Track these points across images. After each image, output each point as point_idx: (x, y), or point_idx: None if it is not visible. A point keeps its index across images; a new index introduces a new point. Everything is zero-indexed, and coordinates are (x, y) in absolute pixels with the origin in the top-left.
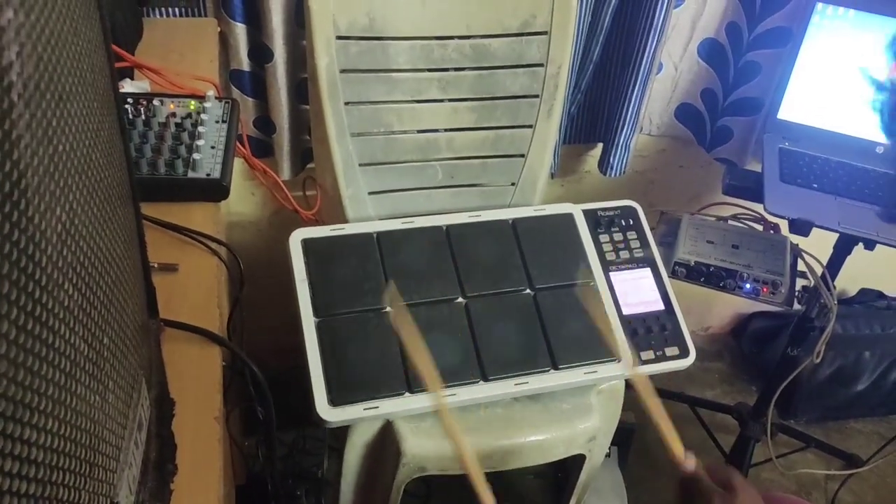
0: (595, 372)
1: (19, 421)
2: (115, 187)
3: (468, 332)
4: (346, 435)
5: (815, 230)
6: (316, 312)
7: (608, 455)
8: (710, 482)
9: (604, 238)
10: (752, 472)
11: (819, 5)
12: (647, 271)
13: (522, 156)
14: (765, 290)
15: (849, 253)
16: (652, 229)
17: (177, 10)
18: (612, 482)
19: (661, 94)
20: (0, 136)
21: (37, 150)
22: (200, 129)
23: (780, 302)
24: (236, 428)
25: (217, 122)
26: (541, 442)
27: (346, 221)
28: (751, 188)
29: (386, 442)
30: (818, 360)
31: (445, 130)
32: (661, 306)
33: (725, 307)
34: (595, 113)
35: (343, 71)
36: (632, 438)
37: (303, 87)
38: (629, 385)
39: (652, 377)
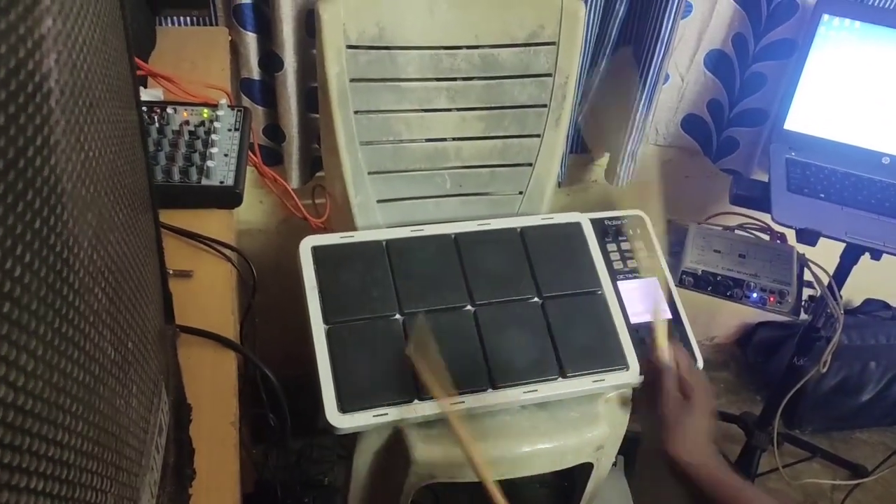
0: (603, 380)
1: (52, 422)
2: (136, 194)
3: (477, 340)
4: (356, 442)
5: (821, 240)
6: (326, 319)
7: (614, 464)
8: (673, 384)
9: (611, 247)
10: (759, 482)
11: (825, 17)
12: (655, 280)
13: (530, 165)
14: (772, 299)
15: (855, 263)
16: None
17: (188, 19)
18: (618, 492)
19: (667, 105)
20: (40, 142)
21: (70, 155)
22: (213, 136)
23: (787, 311)
24: (245, 435)
25: (230, 129)
26: (549, 450)
27: (354, 229)
28: (758, 198)
29: (395, 449)
30: (825, 370)
31: (454, 139)
32: (668, 315)
33: (730, 317)
34: (602, 123)
35: (353, 80)
36: (637, 448)
37: (312, 96)
38: None
39: None
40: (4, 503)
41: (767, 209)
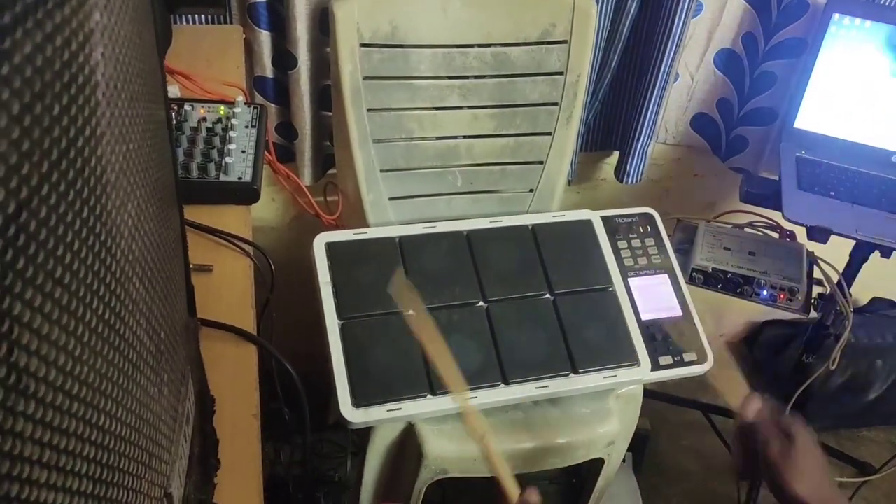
0: (615, 376)
1: (95, 407)
2: (166, 188)
3: (489, 336)
4: (369, 437)
5: (830, 238)
6: (340, 315)
7: (623, 461)
8: (770, 428)
9: (622, 244)
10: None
11: (836, 16)
12: (665, 277)
13: (541, 163)
14: (782, 296)
15: (865, 260)
16: (669, 236)
17: (203, 17)
18: (627, 488)
19: (677, 104)
20: (88, 133)
21: (115, 147)
22: (231, 133)
23: (796, 309)
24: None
25: (246, 126)
26: (561, 446)
27: (366, 226)
28: (768, 196)
29: (408, 444)
30: (833, 367)
31: (465, 137)
32: (678, 312)
33: (738, 316)
34: (612, 121)
35: (366, 78)
36: (646, 445)
37: (325, 94)
38: None
39: (664, 384)
40: (52, 484)
41: (778, 207)
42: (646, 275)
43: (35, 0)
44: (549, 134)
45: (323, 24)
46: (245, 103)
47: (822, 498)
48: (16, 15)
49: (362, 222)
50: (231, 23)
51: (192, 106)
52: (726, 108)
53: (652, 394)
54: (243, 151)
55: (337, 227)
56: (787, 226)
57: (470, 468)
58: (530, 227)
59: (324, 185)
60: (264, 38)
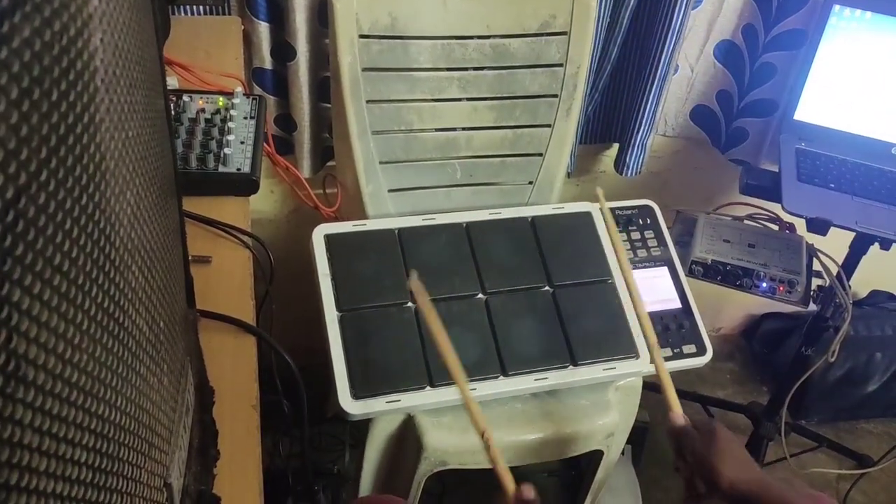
0: (614, 368)
1: (94, 395)
2: (165, 178)
3: (488, 328)
4: (368, 429)
5: (830, 230)
6: (339, 307)
7: (622, 453)
8: (694, 429)
9: (622, 236)
10: (765, 471)
11: (836, 7)
12: (665, 269)
13: (540, 155)
14: (781, 288)
15: (865, 252)
16: (668, 228)
17: (201, 8)
18: (626, 480)
19: (676, 96)
20: (86, 120)
21: (113, 134)
22: (230, 124)
23: (796, 301)
24: None
25: (245, 118)
26: (560, 437)
27: (365, 218)
28: (768, 188)
29: (407, 436)
30: (833, 359)
31: (465, 129)
32: (678, 304)
33: (736, 309)
34: (612, 113)
35: (365, 69)
36: (645, 437)
37: (324, 86)
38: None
39: None
40: (51, 472)
41: (778, 199)
42: (645, 267)
43: None
44: (549, 126)
45: (322, 15)
46: (244, 94)
47: (748, 477)
48: None
49: (361, 214)
50: (230, 14)
51: (191, 97)
52: (726, 100)
53: (651, 386)
54: (242, 143)
55: (336, 219)
56: (787, 218)
57: (469, 460)
58: (530, 219)
59: (323, 177)
60: (263, 29)
